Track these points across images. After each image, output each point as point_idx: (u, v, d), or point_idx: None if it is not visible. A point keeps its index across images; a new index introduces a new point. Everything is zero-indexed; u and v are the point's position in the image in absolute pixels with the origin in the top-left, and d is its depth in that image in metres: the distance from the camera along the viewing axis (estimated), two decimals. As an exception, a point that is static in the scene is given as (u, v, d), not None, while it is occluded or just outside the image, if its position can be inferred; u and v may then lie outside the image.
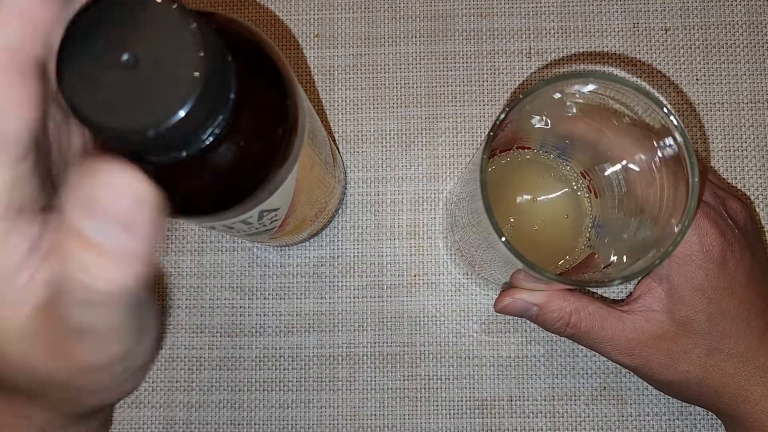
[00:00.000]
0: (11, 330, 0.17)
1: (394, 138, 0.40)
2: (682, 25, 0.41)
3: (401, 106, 0.40)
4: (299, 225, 0.32)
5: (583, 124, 0.30)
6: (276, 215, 0.27)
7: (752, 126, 0.40)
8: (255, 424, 0.38)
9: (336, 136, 0.40)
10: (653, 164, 0.28)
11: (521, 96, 0.25)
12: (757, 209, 0.39)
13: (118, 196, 0.14)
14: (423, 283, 0.39)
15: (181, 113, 0.16)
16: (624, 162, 0.30)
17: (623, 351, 0.32)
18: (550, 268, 0.33)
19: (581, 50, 0.41)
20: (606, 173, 0.32)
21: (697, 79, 0.40)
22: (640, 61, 0.40)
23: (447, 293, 0.39)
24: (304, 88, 0.41)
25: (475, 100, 0.40)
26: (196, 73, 0.16)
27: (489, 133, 0.25)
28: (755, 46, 0.40)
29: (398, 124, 0.40)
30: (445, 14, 0.41)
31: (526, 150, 0.34)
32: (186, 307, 0.39)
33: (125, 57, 0.16)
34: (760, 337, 0.32)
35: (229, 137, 0.19)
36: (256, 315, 0.39)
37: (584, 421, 0.37)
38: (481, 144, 0.25)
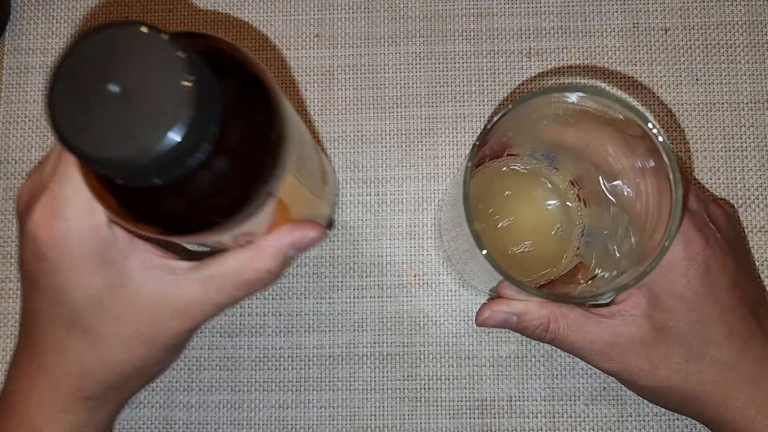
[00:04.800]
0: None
1: (394, 138, 0.40)
2: (682, 25, 0.41)
3: (401, 106, 0.40)
4: None
5: (572, 133, 0.30)
6: (251, 238, 0.26)
7: (752, 126, 0.40)
8: (255, 425, 0.38)
9: (335, 136, 0.40)
10: (640, 175, 0.28)
11: (510, 105, 0.25)
12: (757, 209, 0.39)
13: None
14: (423, 284, 0.39)
15: (161, 151, 0.16)
16: (613, 172, 0.30)
17: (602, 355, 0.31)
18: (538, 277, 0.33)
19: (581, 50, 0.41)
20: (595, 183, 0.31)
21: (697, 79, 0.40)
22: (640, 61, 0.40)
23: (447, 293, 0.39)
24: (302, 89, 0.41)
25: (475, 100, 0.40)
26: (182, 109, 0.16)
27: (475, 142, 0.25)
28: (755, 46, 0.40)
29: (398, 124, 0.40)
30: (445, 14, 0.41)
31: (516, 158, 0.34)
32: (186, 308, 0.39)
33: (114, 88, 0.16)
34: (743, 342, 0.31)
35: (205, 168, 0.19)
36: (256, 315, 0.39)
37: (584, 421, 0.37)
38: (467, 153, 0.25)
